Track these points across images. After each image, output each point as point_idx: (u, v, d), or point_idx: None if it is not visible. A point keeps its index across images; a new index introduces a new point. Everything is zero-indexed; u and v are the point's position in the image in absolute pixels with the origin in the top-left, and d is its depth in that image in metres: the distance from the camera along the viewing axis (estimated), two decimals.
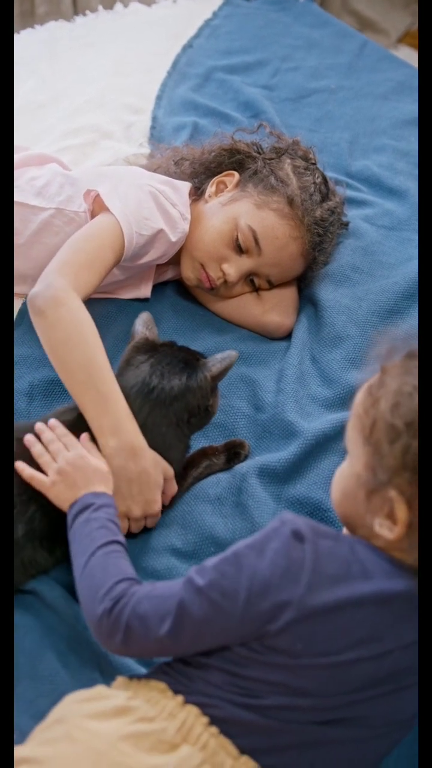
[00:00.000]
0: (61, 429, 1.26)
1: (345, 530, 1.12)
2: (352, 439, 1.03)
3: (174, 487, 1.33)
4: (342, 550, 1.00)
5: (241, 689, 0.98)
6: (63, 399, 1.48)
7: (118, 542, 1.13)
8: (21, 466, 1.22)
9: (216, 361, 1.31)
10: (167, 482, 1.30)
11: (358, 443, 1.01)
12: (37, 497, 1.22)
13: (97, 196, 1.54)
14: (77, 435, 1.27)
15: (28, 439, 1.25)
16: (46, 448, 1.24)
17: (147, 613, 1.01)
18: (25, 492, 1.21)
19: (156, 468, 1.27)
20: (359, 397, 1.04)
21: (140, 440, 1.26)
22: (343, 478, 1.05)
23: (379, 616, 0.97)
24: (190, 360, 1.32)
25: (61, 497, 1.20)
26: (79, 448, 1.24)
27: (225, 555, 1.01)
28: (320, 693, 0.97)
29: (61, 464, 1.21)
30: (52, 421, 1.27)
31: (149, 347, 1.34)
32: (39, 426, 1.27)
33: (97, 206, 1.55)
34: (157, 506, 1.29)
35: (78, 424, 1.28)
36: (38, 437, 1.26)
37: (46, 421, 1.29)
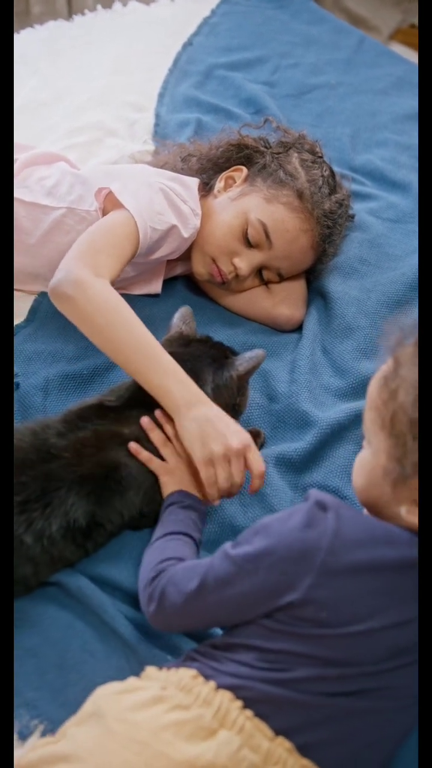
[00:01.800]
0: (172, 429, 1.30)
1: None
2: (372, 429, 1.04)
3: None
4: (366, 519, 1.04)
5: (270, 664, 1.00)
6: (78, 393, 1.50)
7: (187, 534, 1.20)
8: (136, 447, 1.27)
9: (244, 360, 1.32)
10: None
11: (380, 435, 1.02)
12: (75, 492, 1.21)
13: (108, 194, 1.55)
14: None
15: (147, 423, 1.29)
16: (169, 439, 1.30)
17: (179, 579, 1.09)
18: (62, 487, 1.21)
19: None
20: (374, 387, 1.05)
21: (204, 395, 1.28)
22: (366, 467, 1.07)
23: (402, 582, 0.98)
24: (219, 358, 1.33)
25: (171, 484, 1.28)
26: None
27: (256, 526, 1.06)
28: (348, 662, 0.99)
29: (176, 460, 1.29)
30: (164, 416, 1.30)
31: (182, 342, 1.35)
32: (161, 414, 1.29)
33: (109, 204, 1.56)
34: (246, 434, 1.27)
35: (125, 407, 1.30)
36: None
37: (80, 414, 1.30)
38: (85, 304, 1.33)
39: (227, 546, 1.07)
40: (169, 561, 1.13)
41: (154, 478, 1.28)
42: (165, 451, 1.29)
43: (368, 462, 1.06)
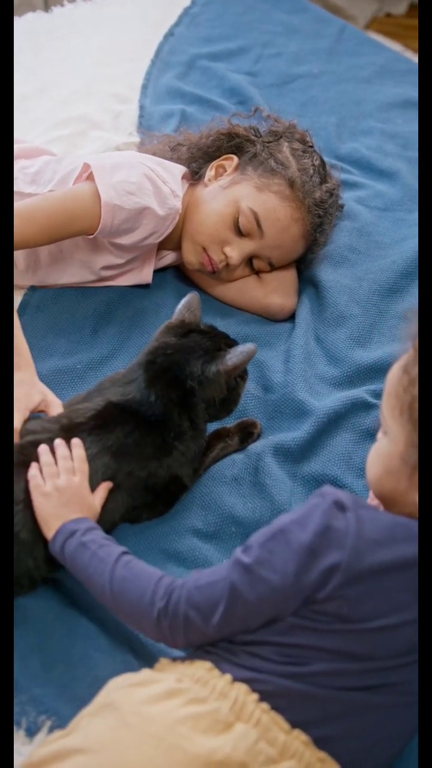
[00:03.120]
0: (80, 452, 1.23)
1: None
2: (391, 416, 1.04)
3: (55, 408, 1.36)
4: (385, 517, 1.03)
5: (287, 658, 0.99)
6: (72, 388, 1.49)
7: (127, 552, 1.13)
8: (33, 467, 1.21)
9: (234, 355, 1.29)
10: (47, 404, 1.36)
11: (398, 421, 1.02)
12: None
13: (90, 174, 1.54)
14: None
15: (42, 449, 1.23)
16: (56, 461, 1.22)
17: (200, 602, 1.02)
18: None
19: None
20: (394, 375, 1.05)
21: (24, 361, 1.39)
22: (384, 455, 1.06)
23: None
24: (212, 350, 1.30)
25: (48, 510, 1.18)
26: (86, 479, 1.22)
27: (270, 532, 1.02)
28: (367, 656, 0.99)
29: (62, 483, 1.19)
30: (76, 441, 1.24)
31: (181, 331, 1.33)
32: (58, 441, 1.24)
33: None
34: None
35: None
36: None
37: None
38: None
39: (240, 555, 1.03)
40: (162, 581, 1.06)
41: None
42: (46, 470, 1.20)
43: (385, 450, 1.05)
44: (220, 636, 1.04)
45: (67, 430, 1.26)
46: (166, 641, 1.07)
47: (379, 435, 1.09)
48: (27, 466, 1.21)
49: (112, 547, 1.13)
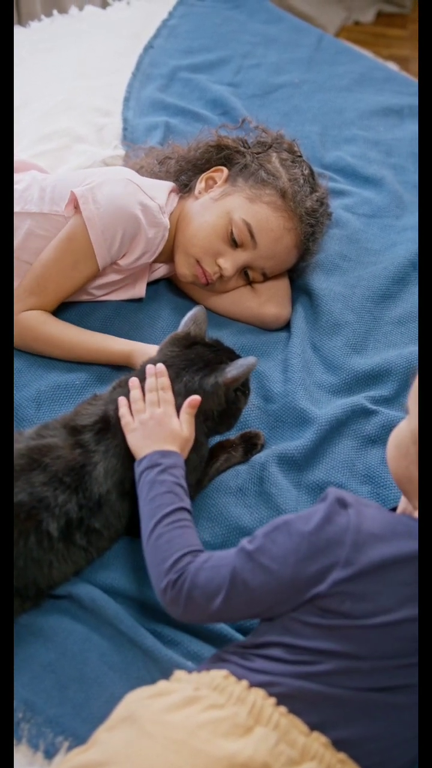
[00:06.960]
0: (165, 380, 1.30)
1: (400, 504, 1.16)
2: (413, 396, 1.07)
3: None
4: (386, 514, 1.05)
5: (300, 659, 1.01)
6: (71, 404, 1.47)
7: (183, 509, 1.17)
8: (122, 401, 1.29)
9: (234, 368, 1.29)
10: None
11: (414, 400, 1.05)
12: (77, 489, 1.21)
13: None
14: None
15: (133, 381, 1.31)
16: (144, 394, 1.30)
17: (204, 583, 1.07)
18: (60, 486, 1.20)
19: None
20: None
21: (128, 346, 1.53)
22: (399, 434, 1.10)
23: None
24: (213, 363, 1.31)
25: (134, 444, 1.26)
26: (169, 407, 1.28)
27: (276, 523, 1.07)
28: (377, 655, 0.99)
29: (145, 416, 1.27)
30: (160, 367, 1.31)
31: (186, 342, 1.33)
32: (150, 369, 1.31)
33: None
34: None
35: None
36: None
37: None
38: (32, 343, 1.55)
39: (245, 543, 1.07)
40: (185, 558, 1.11)
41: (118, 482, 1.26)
42: (134, 407, 1.28)
43: (402, 428, 1.09)
44: (222, 618, 1.11)
45: (73, 431, 1.26)
46: (166, 609, 1.12)
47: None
48: (40, 469, 1.20)
49: (175, 495, 1.18)
